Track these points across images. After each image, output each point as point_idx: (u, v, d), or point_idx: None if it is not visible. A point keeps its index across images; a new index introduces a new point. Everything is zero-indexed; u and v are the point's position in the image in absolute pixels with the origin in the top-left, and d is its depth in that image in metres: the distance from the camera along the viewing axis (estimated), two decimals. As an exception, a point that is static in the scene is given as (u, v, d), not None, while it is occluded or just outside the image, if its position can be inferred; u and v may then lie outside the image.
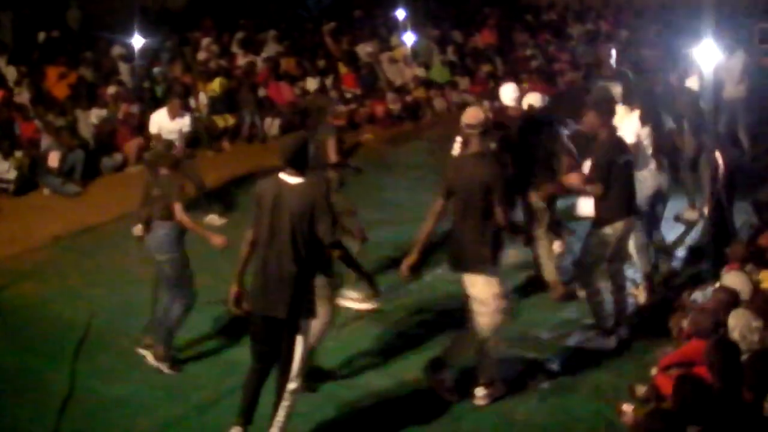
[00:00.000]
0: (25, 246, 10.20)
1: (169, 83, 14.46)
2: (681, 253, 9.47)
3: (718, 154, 9.22)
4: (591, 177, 7.32)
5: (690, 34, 18.71)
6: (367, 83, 17.14)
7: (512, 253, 7.88)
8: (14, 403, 6.80)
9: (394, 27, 19.75)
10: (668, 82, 11.51)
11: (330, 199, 6.11)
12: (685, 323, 6.85)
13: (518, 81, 18.23)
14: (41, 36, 16.09)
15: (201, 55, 16.51)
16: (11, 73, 14.37)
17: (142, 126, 13.33)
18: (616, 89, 9.66)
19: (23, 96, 13.61)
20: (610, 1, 26.11)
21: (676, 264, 9.01)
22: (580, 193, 7.89)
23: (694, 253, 9.40)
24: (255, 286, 5.80)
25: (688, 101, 9.80)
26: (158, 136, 10.41)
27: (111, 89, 13.98)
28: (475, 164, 6.42)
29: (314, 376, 6.76)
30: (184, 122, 10.59)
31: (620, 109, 8.44)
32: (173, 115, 10.49)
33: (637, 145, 8.09)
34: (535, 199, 8.22)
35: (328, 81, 16.74)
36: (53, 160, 12.08)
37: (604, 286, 7.55)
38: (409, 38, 18.58)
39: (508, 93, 8.55)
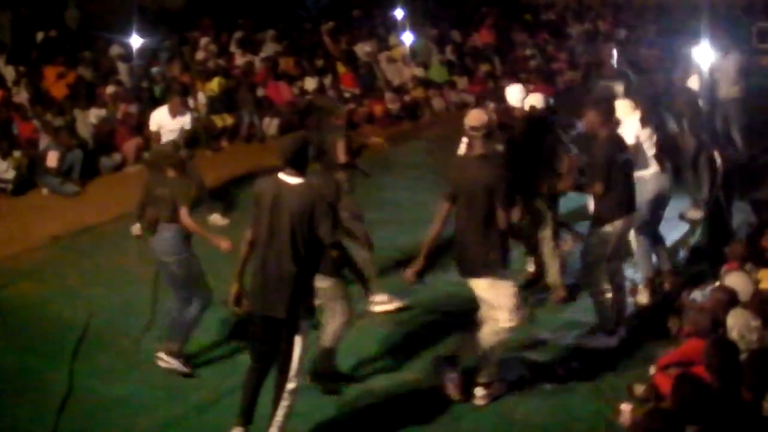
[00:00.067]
0: (23, 246, 10.20)
1: (167, 83, 14.45)
2: (681, 252, 9.46)
3: (716, 154, 9.24)
4: (591, 177, 7.32)
5: (688, 34, 18.76)
6: (365, 83, 17.14)
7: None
8: (14, 403, 6.80)
9: (393, 26, 19.75)
10: (669, 81, 11.52)
11: (330, 199, 6.13)
12: (681, 322, 6.87)
13: (518, 81, 18.36)
14: (40, 36, 16.07)
15: (199, 55, 16.50)
16: (9, 72, 14.36)
17: (140, 126, 13.34)
18: (618, 89, 9.69)
19: (22, 96, 13.60)
20: (609, 1, 26.13)
21: (675, 263, 8.99)
22: (584, 191, 7.86)
23: (694, 252, 9.40)
24: (254, 285, 5.80)
25: (687, 101, 9.80)
26: (158, 135, 10.41)
27: (109, 89, 13.98)
28: (479, 166, 6.41)
29: (333, 378, 6.79)
30: (185, 120, 10.57)
31: (626, 104, 8.44)
32: (174, 113, 10.48)
33: (637, 146, 8.08)
34: (538, 200, 8.21)
35: (327, 80, 16.74)
36: (52, 159, 12.07)
37: (608, 287, 7.55)
38: (407, 38, 18.57)
39: (514, 94, 8.50)
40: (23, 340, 7.87)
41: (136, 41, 14.80)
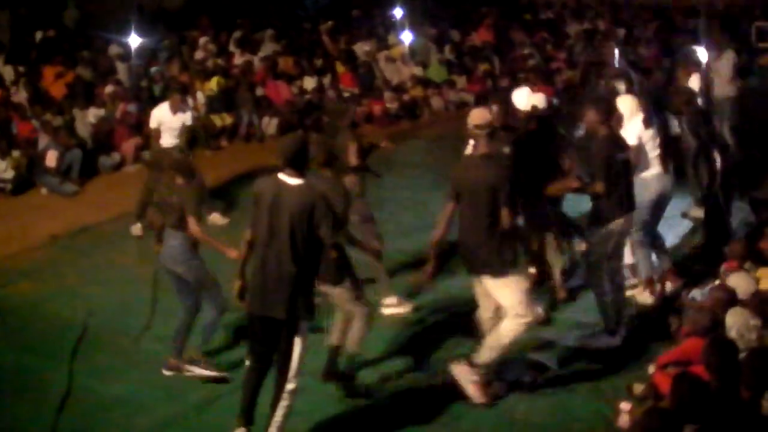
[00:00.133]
0: (22, 245, 10.20)
1: (166, 82, 14.44)
2: (682, 251, 9.45)
3: (715, 153, 9.24)
4: (591, 176, 7.31)
5: (686, 33, 18.75)
6: (364, 82, 17.13)
7: None
8: (13, 403, 6.80)
9: (392, 26, 19.74)
10: (668, 80, 11.52)
11: (339, 205, 6.18)
12: (680, 322, 6.87)
13: (516, 80, 18.33)
14: (38, 35, 16.07)
15: (198, 55, 16.50)
16: (8, 72, 14.36)
17: (139, 125, 13.34)
18: (620, 88, 9.68)
19: (20, 95, 13.60)
20: (608, 0, 26.11)
21: (675, 262, 8.99)
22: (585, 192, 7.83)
23: (693, 251, 9.40)
24: (254, 286, 5.79)
25: (686, 100, 9.80)
26: (158, 132, 10.41)
27: (108, 88, 13.96)
28: (483, 165, 6.42)
29: (350, 381, 6.80)
30: (186, 117, 10.55)
31: (631, 101, 8.43)
32: (175, 110, 10.46)
33: (640, 147, 8.08)
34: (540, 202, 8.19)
35: (326, 80, 16.74)
36: (51, 159, 12.06)
37: (616, 287, 7.53)
38: (406, 37, 18.57)
39: (521, 98, 8.46)
40: (22, 339, 7.87)
41: (134, 41, 14.81)
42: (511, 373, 6.96)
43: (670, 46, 19.40)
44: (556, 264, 8.35)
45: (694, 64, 11.29)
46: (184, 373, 7.08)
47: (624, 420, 6.10)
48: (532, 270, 8.69)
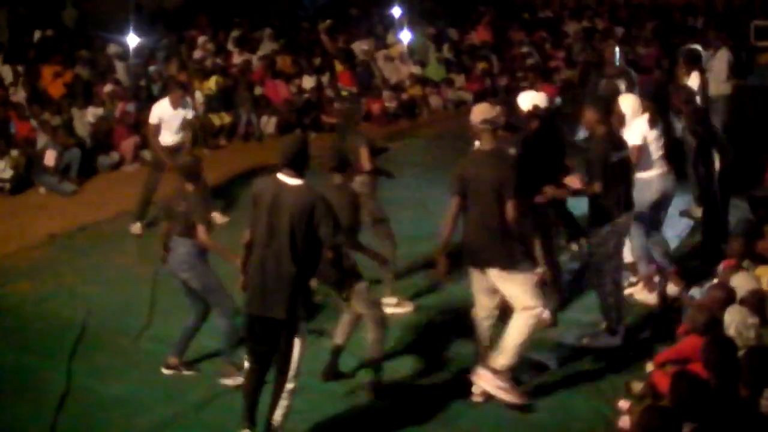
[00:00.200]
0: (21, 245, 10.19)
1: (165, 82, 14.43)
2: (679, 250, 9.45)
3: (714, 152, 9.23)
4: (589, 176, 7.31)
5: (685, 32, 18.71)
6: (363, 81, 17.13)
7: None
8: (12, 402, 6.80)
9: (390, 25, 19.73)
10: (667, 79, 11.51)
11: (349, 211, 6.26)
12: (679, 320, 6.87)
13: (515, 79, 18.34)
14: (37, 35, 16.05)
15: (197, 54, 16.48)
16: (7, 72, 14.33)
17: (138, 124, 13.34)
18: (621, 87, 9.67)
19: (19, 95, 13.58)
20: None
21: (674, 262, 8.99)
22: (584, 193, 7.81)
23: (691, 250, 9.40)
24: (253, 286, 5.78)
25: (685, 98, 9.80)
26: (158, 127, 10.40)
27: (107, 88, 13.96)
28: (490, 161, 6.41)
29: (378, 385, 6.78)
30: (187, 112, 10.56)
31: (634, 100, 8.43)
32: (176, 105, 10.45)
33: (643, 147, 8.07)
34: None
35: (325, 79, 16.73)
36: (49, 158, 12.06)
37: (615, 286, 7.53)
38: (405, 36, 18.57)
39: (526, 101, 8.41)
40: (21, 339, 7.87)
41: (133, 40, 14.80)
42: (510, 372, 6.95)
43: (668, 45, 19.41)
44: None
45: (693, 63, 11.26)
46: (183, 373, 7.09)
47: (624, 421, 6.11)
48: (539, 270, 8.70)
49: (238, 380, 6.63)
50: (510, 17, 22.70)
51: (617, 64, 11.39)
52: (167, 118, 10.40)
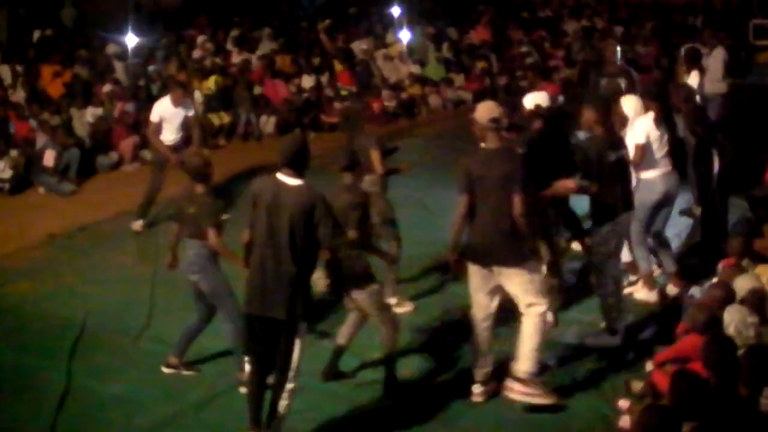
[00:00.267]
0: (20, 245, 10.19)
1: (164, 81, 14.44)
2: (679, 249, 9.45)
3: (713, 150, 9.22)
4: (587, 177, 7.30)
5: (684, 31, 18.70)
6: (362, 80, 17.13)
7: None
8: (11, 402, 6.79)
9: (389, 24, 19.73)
10: (667, 78, 11.51)
11: (359, 212, 6.33)
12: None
13: (514, 78, 18.34)
14: (36, 34, 16.05)
15: (196, 53, 16.49)
16: (6, 71, 14.34)
17: (137, 124, 13.34)
18: (622, 86, 9.66)
19: (18, 95, 13.59)
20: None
21: (674, 260, 8.99)
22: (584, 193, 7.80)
23: (691, 249, 9.40)
24: (252, 286, 5.78)
25: (685, 97, 9.80)
26: (159, 126, 10.40)
27: (106, 87, 13.96)
28: (499, 158, 6.38)
29: (395, 387, 6.77)
30: (188, 111, 10.58)
31: (636, 101, 8.42)
32: (176, 103, 10.47)
33: (646, 146, 8.06)
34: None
35: (324, 78, 16.73)
36: (48, 159, 12.05)
37: (615, 286, 7.53)
38: (404, 35, 18.56)
39: (530, 100, 8.40)
40: (20, 339, 7.86)
41: (132, 40, 14.80)
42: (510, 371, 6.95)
43: (668, 44, 19.42)
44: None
45: (694, 62, 11.28)
46: (183, 373, 7.08)
47: (624, 420, 6.11)
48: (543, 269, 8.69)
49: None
50: (509, 16, 22.70)
51: (618, 62, 11.40)
52: (168, 116, 10.41)
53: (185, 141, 10.66)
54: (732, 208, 9.56)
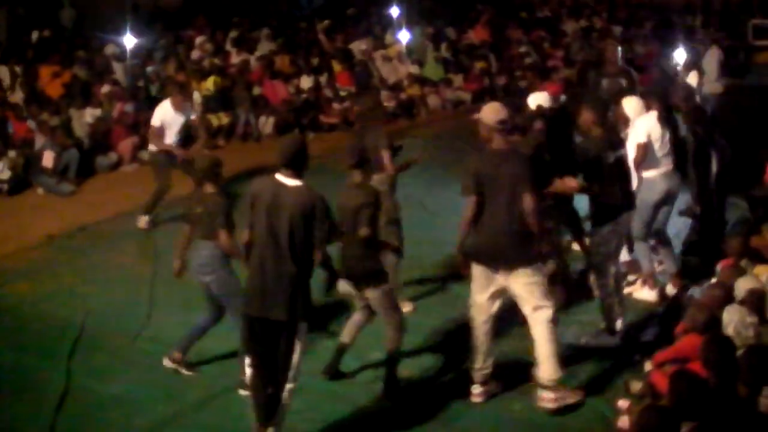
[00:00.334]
0: (19, 245, 10.18)
1: (163, 82, 14.45)
2: (678, 249, 9.45)
3: (711, 150, 9.23)
4: (587, 177, 7.30)
5: (683, 30, 18.70)
6: (361, 81, 17.13)
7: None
8: (11, 403, 6.78)
9: (388, 24, 19.74)
10: (666, 77, 11.52)
11: (371, 210, 6.35)
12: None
13: (513, 78, 18.34)
14: (35, 35, 16.06)
15: (195, 54, 16.49)
16: (5, 72, 14.34)
17: (136, 125, 13.35)
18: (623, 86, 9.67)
19: (17, 95, 13.59)
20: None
21: (676, 260, 8.99)
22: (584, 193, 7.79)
23: (690, 248, 9.40)
24: (252, 287, 5.77)
25: (684, 96, 9.81)
26: (161, 129, 10.41)
27: (105, 88, 13.96)
28: (507, 159, 6.36)
29: (395, 387, 6.77)
30: (189, 114, 10.65)
31: (637, 102, 8.42)
32: (177, 107, 10.51)
33: (647, 145, 8.06)
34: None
35: (323, 79, 16.74)
36: (47, 159, 12.05)
37: (616, 286, 7.51)
38: (403, 36, 18.57)
39: (533, 101, 8.40)
40: (20, 339, 7.86)
41: (131, 40, 14.80)
42: (508, 371, 6.95)
43: (667, 44, 19.42)
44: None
45: (692, 61, 11.30)
46: (183, 372, 7.08)
47: (623, 420, 6.10)
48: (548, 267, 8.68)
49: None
50: (508, 16, 22.74)
51: (618, 63, 11.39)
52: (169, 120, 10.45)
53: (183, 143, 10.70)
54: (731, 208, 9.57)
